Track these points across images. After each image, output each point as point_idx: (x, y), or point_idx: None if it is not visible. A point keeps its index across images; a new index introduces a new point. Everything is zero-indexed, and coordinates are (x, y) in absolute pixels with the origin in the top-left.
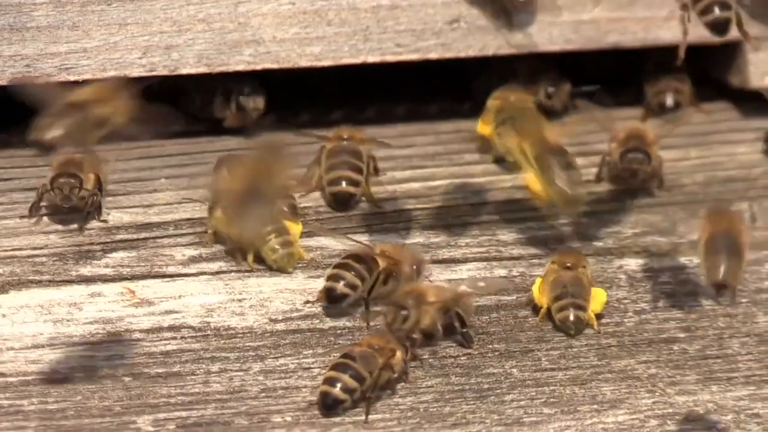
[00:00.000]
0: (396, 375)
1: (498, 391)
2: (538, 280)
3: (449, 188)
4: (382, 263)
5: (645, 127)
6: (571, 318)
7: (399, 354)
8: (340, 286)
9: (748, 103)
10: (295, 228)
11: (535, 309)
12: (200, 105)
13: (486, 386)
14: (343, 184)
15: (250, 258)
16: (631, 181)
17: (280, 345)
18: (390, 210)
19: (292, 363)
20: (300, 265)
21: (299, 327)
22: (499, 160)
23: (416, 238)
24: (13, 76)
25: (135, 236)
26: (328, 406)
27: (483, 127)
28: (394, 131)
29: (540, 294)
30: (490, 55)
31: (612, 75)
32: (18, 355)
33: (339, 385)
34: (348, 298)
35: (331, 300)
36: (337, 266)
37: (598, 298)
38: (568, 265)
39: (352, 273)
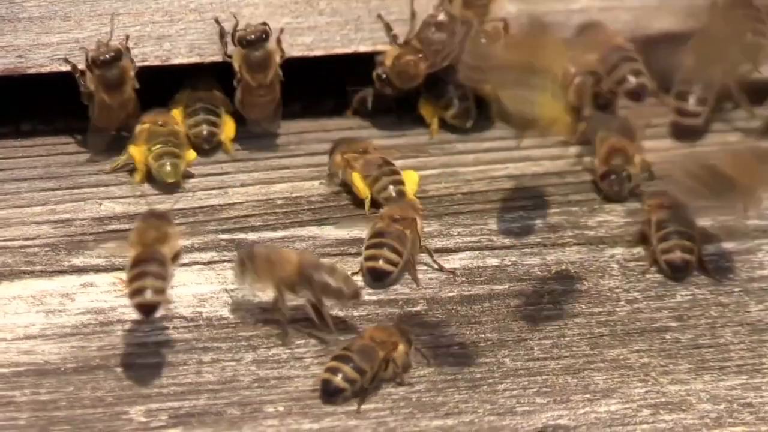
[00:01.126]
0: (400, 369)
1: (491, 380)
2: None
3: (441, 178)
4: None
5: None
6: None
7: (402, 347)
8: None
9: None
10: (189, 154)
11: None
12: None
13: (478, 376)
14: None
15: (138, 176)
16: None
17: (273, 335)
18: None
19: (284, 353)
20: None
21: (292, 317)
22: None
23: None
24: (5, 67)
25: (127, 226)
26: (330, 393)
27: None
28: (389, 120)
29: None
30: None
31: None
32: (10, 346)
33: (340, 374)
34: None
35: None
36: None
37: (411, 179)
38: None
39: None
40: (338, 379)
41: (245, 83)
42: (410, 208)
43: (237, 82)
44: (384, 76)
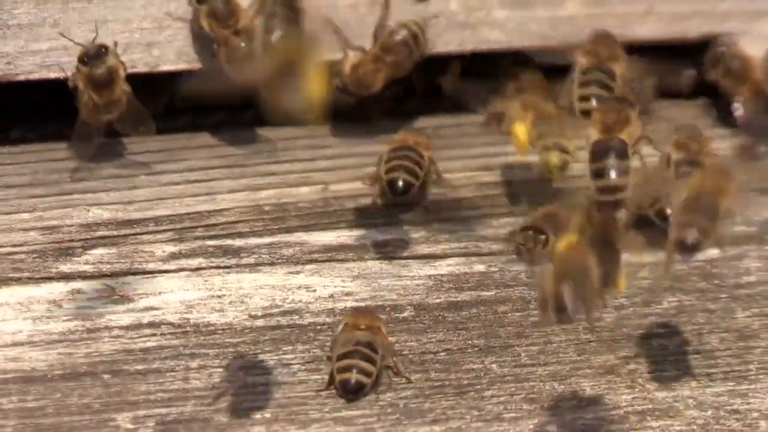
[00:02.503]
0: (388, 352)
1: (478, 386)
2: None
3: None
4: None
5: None
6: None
7: (382, 328)
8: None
9: (727, 98)
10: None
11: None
12: None
13: (466, 382)
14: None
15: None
16: None
17: (260, 341)
18: (369, 205)
19: (271, 359)
20: (280, 261)
21: (279, 323)
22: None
23: (395, 234)
24: None
25: (115, 233)
26: (352, 391)
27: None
28: (375, 128)
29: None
30: (468, 51)
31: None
32: None
33: (355, 370)
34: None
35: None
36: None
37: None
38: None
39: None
40: (356, 375)
41: None
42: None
43: None
44: (341, 84)
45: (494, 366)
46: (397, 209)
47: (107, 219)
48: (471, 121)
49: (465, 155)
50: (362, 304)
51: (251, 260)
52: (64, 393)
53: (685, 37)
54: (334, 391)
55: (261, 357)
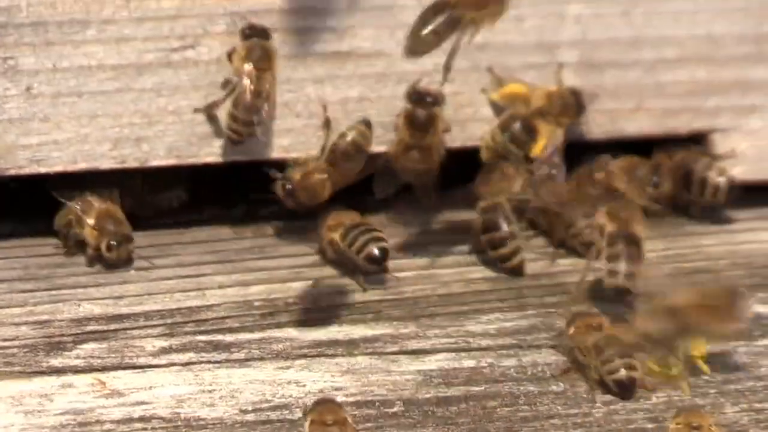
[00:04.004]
0: None
1: None
2: None
3: (418, 280)
4: None
5: None
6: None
7: (348, 419)
8: None
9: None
10: None
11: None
12: None
13: None
14: None
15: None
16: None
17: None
18: (358, 301)
19: None
20: (270, 356)
21: (269, 418)
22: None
23: (385, 329)
24: None
25: (105, 327)
26: None
27: None
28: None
29: None
30: (457, 147)
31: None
32: None
33: None
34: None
35: None
36: None
37: None
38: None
39: None
40: None
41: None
42: None
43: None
44: (290, 188)
45: None
46: (386, 304)
47: (98, 314)
48: (459, 217)
49: (454, 251)
50: (351, 399)
51: (241, 355)
52: None
53: (675, 134)
54: None
55: None
